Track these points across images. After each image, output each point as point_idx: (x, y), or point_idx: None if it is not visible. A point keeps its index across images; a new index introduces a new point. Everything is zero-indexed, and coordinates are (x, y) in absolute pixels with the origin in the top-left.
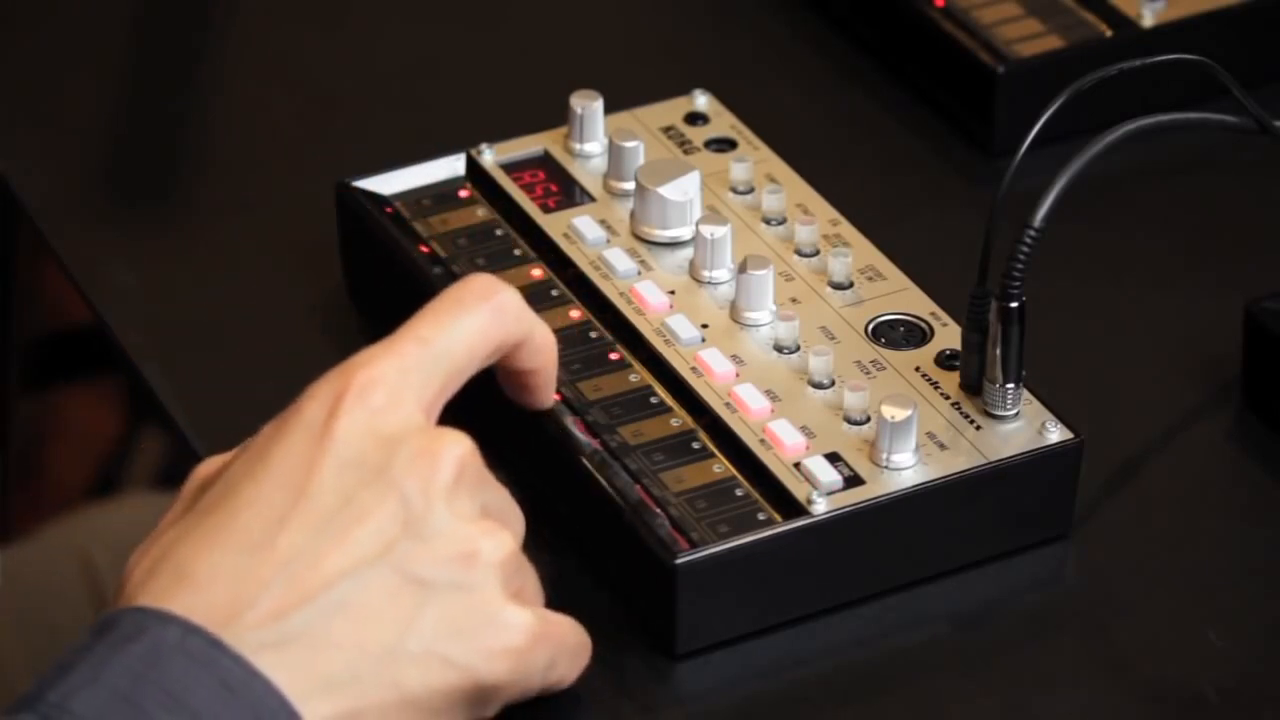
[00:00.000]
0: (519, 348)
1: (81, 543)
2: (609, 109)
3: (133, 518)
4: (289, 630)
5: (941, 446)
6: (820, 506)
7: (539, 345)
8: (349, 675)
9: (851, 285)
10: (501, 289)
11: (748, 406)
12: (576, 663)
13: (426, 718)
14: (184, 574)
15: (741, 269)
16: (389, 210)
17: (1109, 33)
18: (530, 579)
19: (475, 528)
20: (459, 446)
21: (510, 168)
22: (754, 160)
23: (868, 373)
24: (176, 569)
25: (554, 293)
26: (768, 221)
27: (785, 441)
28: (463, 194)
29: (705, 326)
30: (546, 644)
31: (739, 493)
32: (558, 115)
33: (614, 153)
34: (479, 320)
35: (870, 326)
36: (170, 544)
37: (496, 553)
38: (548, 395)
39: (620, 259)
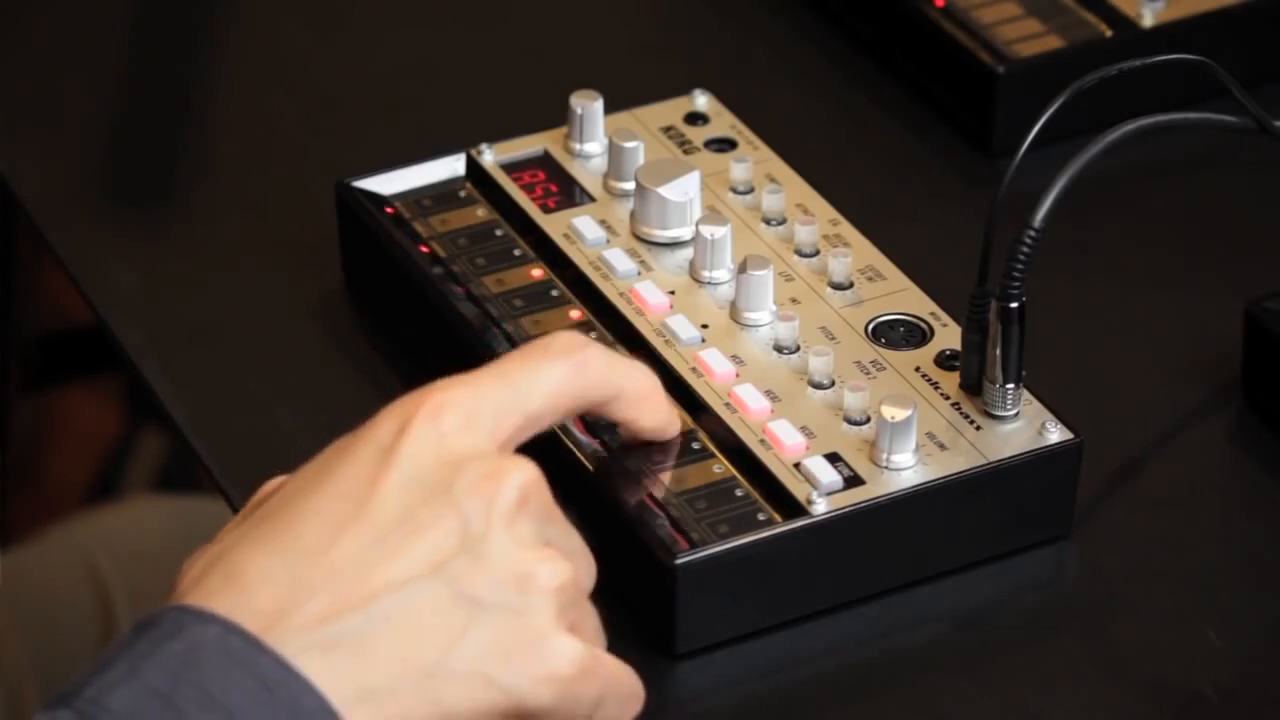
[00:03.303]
0: (611, 403)
1: (82, 543)
2: (609, 109)
3: (133, 518)
4: (333, 636)
5: (941, 447)
6: (820, 506)
7: (632, 399)
8: (390, 687)
9: (851, 285)
10: (587, 347)
11: (748, 406)
12: (628, 708)
13: None
14: (234, 576)
15: (741, 269)
16: (389, 210)
17: (1109, 33)
18: (589, 619)
19: (533, 553)
20: (524, 473)
21: (510, 168)
22: (754, 160)
23: (868, 373)
24: (227, 571)
25: (554, 293)
26: (768, 221)
27: (785, 441)
28: (463, 194)
29: (705, 327)
30: (595, 679)
31: (739, 493)
32: (558, 115)
33: (614, 153)
34: (561, 371)
35: (870, 326)
36: (225, 547)
37: (552, 579)
38: (662, 431)
39: (620, 259)
